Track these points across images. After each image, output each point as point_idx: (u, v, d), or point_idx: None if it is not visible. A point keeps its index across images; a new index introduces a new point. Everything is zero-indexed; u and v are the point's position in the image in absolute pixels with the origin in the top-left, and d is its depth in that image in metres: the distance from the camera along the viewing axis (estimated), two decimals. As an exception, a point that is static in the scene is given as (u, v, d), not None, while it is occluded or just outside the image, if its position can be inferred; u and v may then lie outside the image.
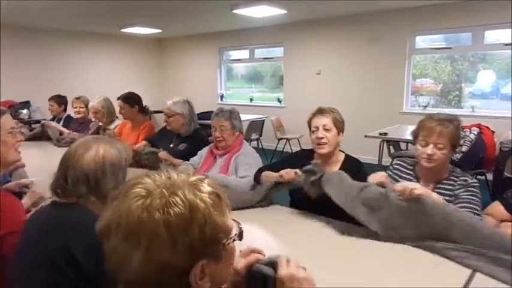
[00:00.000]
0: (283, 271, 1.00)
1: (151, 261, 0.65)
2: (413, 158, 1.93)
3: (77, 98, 4.17)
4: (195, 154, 2.71)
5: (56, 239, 1.08)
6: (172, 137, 3.05)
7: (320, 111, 2.07)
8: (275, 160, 4.58)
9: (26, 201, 1.72)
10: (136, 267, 0.65)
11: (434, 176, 1.80)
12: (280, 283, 0.98)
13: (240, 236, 0.77)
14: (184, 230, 0.65)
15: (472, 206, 1.64)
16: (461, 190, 1.71)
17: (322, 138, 2.01)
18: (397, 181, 1.85)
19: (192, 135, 2.98)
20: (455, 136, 1.72)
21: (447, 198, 1.70)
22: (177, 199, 0.67)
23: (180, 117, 2.92)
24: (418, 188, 1.53)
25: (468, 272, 1.31)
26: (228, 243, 0.73)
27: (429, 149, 1.71)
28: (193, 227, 0.66)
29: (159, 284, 0.66)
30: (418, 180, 1.83)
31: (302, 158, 2.17)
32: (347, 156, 2.15)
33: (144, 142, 3.10)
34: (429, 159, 1.72)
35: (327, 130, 2.01)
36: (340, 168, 2.05)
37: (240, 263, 0.91)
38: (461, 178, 1.75)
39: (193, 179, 0.73)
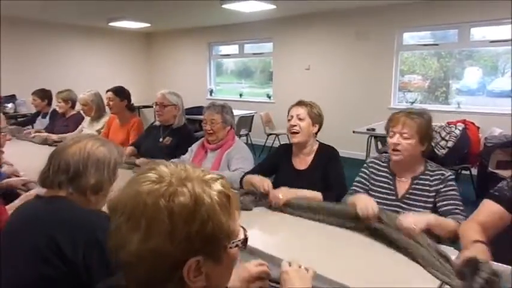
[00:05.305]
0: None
1: (148, 245, 0.66)
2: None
3: (60, 92, 4.09)
4: (183, 148, 2.71)
5: (43, 231, 1.08)
6: (158, 132, 3.00)
7: (298, 103, 2.17)
8: (264, 155, 4.59)
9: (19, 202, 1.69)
10: (134, 249, 0.66)
11: (409, 171, 1.80)
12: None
13: (245, 243, 0.77)
14: (185, 220, 0.66)
15: (455, 202, 1.68)
16: (441, 186, 1.72)
17: (295, 126, 2.09)
18: (374, 179, 1.88)
19: (181, 129, 2.97)
20: (423, 128, 1.72)
21: (425, 193, 1.74)
22: (185, 190, 0.68)
23: (173, 109, 2.92)
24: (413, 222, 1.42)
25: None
26: (231, 248, 0.73)
27: (395, 139, 1.74)
28: (195, 220, 0.66)
29: (152, 270, 0.67)
30: (393, 176, 1.84)
31: (282, 152, 2.29)
32: (321, 145, 2.21)
33: (131, 148, 3.03)
34: (395, 149, 1.74)
35: (300, 119, 2.10)
36: (314, 156, 2.15)
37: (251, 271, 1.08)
38: (437, 172, 1.76)
39: (208, 176, 0.73)
